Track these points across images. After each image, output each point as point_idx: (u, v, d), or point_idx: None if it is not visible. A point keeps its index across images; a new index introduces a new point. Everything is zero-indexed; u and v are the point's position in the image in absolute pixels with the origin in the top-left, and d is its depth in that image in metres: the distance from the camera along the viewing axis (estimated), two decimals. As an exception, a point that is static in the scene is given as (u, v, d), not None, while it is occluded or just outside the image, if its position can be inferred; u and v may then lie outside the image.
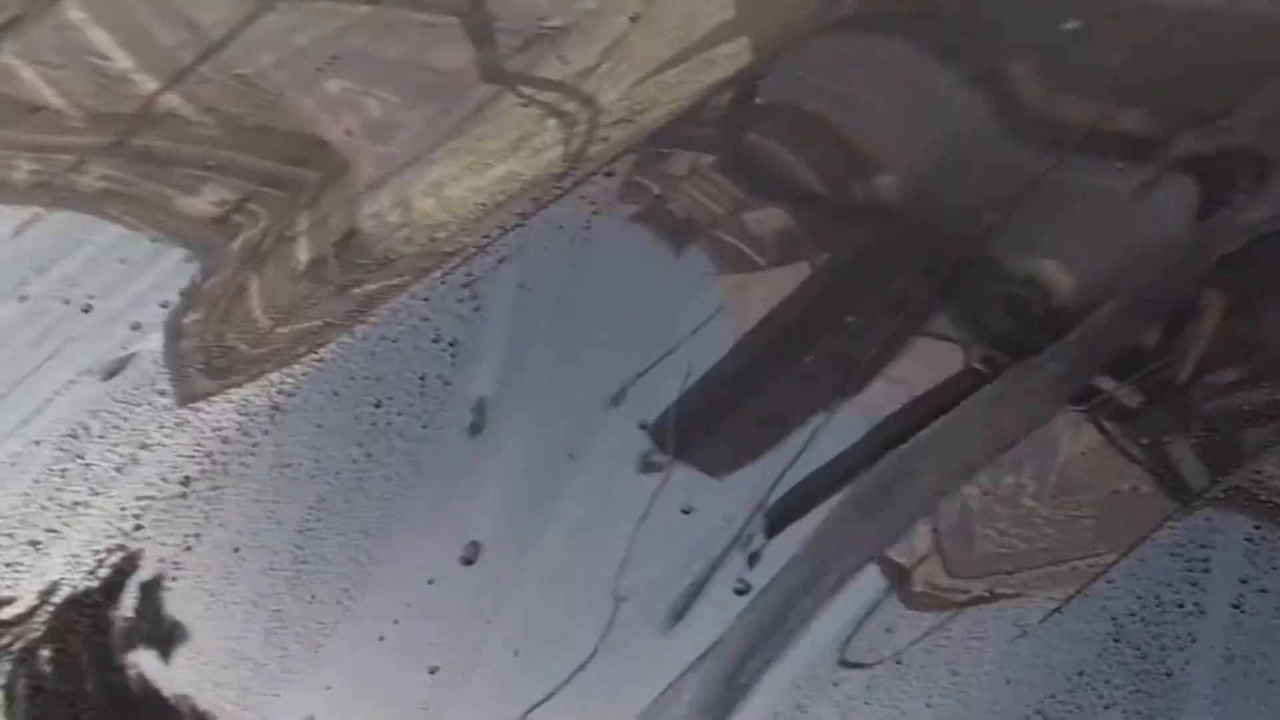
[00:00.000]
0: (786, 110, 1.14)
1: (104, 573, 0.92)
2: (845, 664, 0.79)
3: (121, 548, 0.92)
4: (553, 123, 1.17)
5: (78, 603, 0.91)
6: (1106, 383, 0.86)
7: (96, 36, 1.45)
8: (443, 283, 0.99)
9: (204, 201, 1.17)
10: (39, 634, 0.91)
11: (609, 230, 1.04)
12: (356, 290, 1.02)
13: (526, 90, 1.21)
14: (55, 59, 1.42)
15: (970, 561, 0.81)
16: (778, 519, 0.83)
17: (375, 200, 1.10)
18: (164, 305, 1.06)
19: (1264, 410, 0.84)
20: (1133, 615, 0.76)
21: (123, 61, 1.41)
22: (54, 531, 0.94)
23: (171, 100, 1.33)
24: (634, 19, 1.21)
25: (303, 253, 1.08)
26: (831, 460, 0.85)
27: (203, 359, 1.02)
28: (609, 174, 1.07)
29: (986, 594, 0.79)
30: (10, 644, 0.91)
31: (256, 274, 1.07)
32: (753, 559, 0.83)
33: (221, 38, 1.39)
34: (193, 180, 1.22)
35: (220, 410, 0.96)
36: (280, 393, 0.95)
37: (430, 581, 0.87)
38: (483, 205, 1.07)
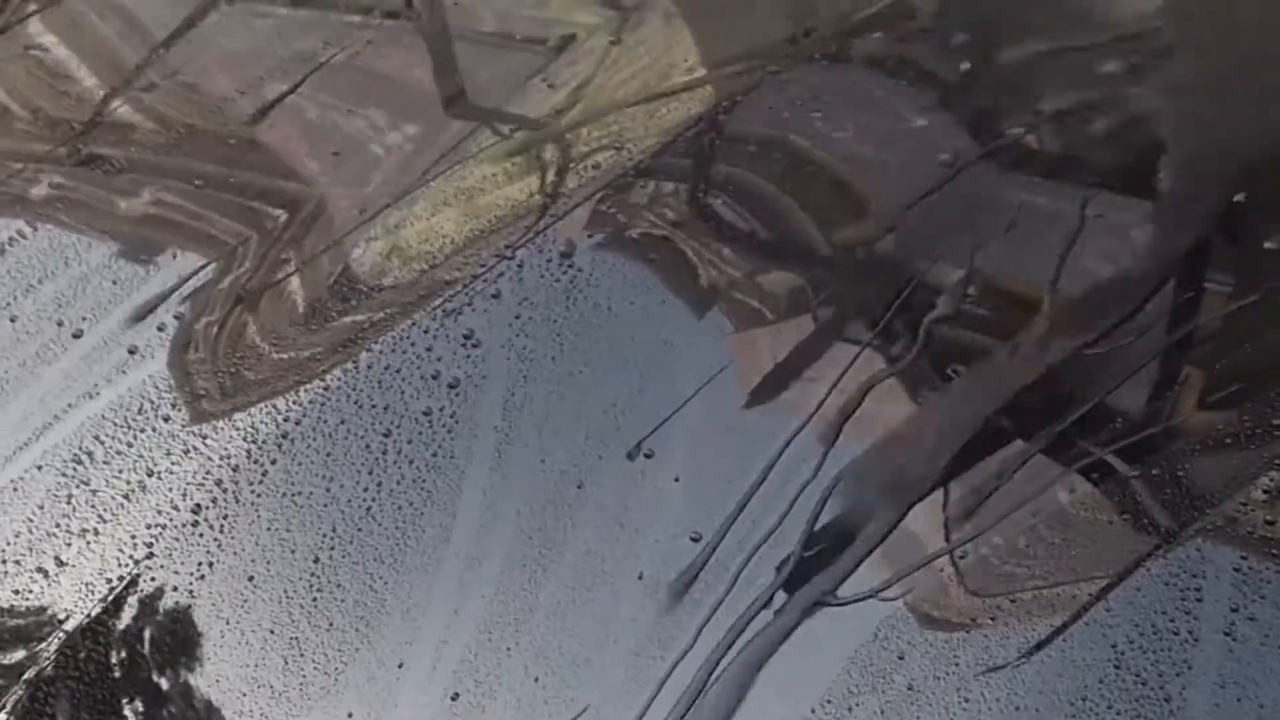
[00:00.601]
0: (756, 141, 1.15)
1: (117, 601, 0.92)
2: (859, 690, 0.82)
3: (134, 576, 0.93)
4: (534, 152, 1.17)
5: (90, 631, 0.92)
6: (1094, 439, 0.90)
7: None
8: (442, 313, 1.01)
9: (190, 222, 1.18)
10: (50, 663, 0.92)
11: (593, 259, 1.06)
12: (353, 320, 1.03)
13: (509, 121, 1.21)
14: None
15: (983, 584, 0.85)
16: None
17: (363, 235, 1.11)
18: (160, 329, 1.06)
19: (1248, 441, 0.88)
20: (1131, 643, 0.81)
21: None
22: (62, 560, 0.95)
23: (128, 112, 1.34)
24: (614, 42, 1.23)
25: (296, 289, 1.09)
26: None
27: (204, 385, 1.02)
28: (593, 203, 1.07)
29: (992, 619, 0.83)
30: (20, 673, 0.92)
31: (251, 311, 1.07)
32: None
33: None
34: (181, 201, 1.23)
35: (228, 437, 0.97)
36: (287, 420, 0.97)
37: (450, 610, 0.89)
38: (470, 236, 1.08)
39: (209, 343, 1.05)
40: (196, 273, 1.12)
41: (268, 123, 1.29)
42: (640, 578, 0.88)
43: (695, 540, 0.89)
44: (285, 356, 1.03)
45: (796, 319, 1.04)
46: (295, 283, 1.10)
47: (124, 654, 0.91)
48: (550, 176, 1.13)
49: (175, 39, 1.41)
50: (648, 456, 0.92)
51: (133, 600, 0.93)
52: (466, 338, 1.00)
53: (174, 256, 1.15)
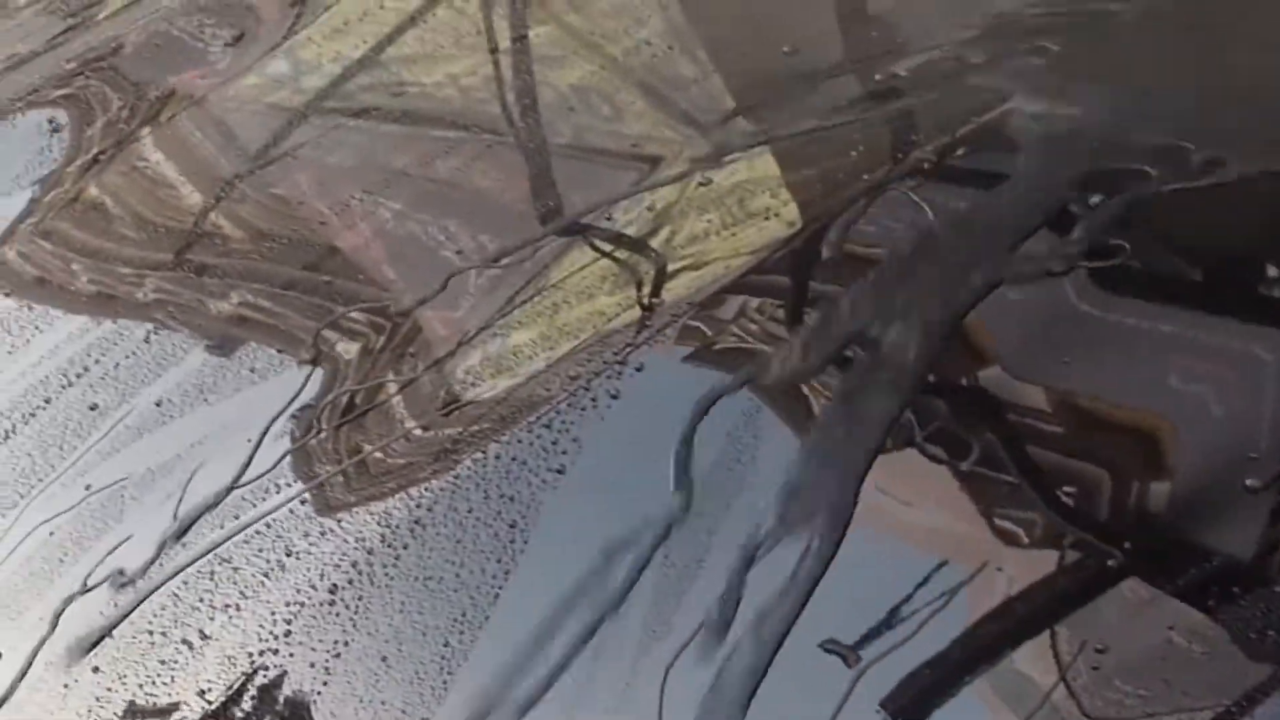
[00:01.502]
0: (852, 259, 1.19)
1: (258, 675, 0.97)
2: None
3: (274, 651, 0.98)
4: (625, 269, 1.23)
5: (231, 703, 0.97)
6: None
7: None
8: (545, 427, 1.06)
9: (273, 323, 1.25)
10: (193, 732, 0.97)
11: (682, 370, 1.11)
12: (454, 433, 1.09)
13: (602, 238, 1.27)
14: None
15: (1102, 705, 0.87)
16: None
17: (465, 359, 1.17)
18: (294, 418, 1.12)
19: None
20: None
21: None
22: (206, 634, 1.00)
23: (223, 223, 1.42)
24: (704, 183, 1.29)
25: (399, 405, 1.15)
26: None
27: (327, 476, 1.08)
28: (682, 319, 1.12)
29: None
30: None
31: (357, 425, 1.14)
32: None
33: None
34: (267, 304, 1.30)
35: (363, 521, 1.02)
36: (420, 507, 1.02)
37: (572, 693, 0.93)
38: (565, 351, 1.14)
39: (324, 451, 1.11)
40: (303, 386, 1.17)
41: (357, 235, 1.34)
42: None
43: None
44: (395, 463, 1.08)
45: (901, 451, 1.05)
46: (398, 399, 1.15)
47: (262, 727, 0.96)
48: (640, 293, 1.18)
49: (268, 154, 1.48)
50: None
51: (271, 675, 0.97)
52: (573, 440, 1.05)
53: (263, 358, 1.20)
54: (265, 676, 0.98)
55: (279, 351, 1.25)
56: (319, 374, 1.20)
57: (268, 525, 1.04)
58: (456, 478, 1.03)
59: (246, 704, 0.97)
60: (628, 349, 1.09)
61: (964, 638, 0.93)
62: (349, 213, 1.35)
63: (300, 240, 1.34)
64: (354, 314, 1.26)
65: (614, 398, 1.05)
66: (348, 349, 1.20)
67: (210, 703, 0.98)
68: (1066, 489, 1.00)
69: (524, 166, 1.38)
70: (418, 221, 1.33)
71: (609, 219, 1.25)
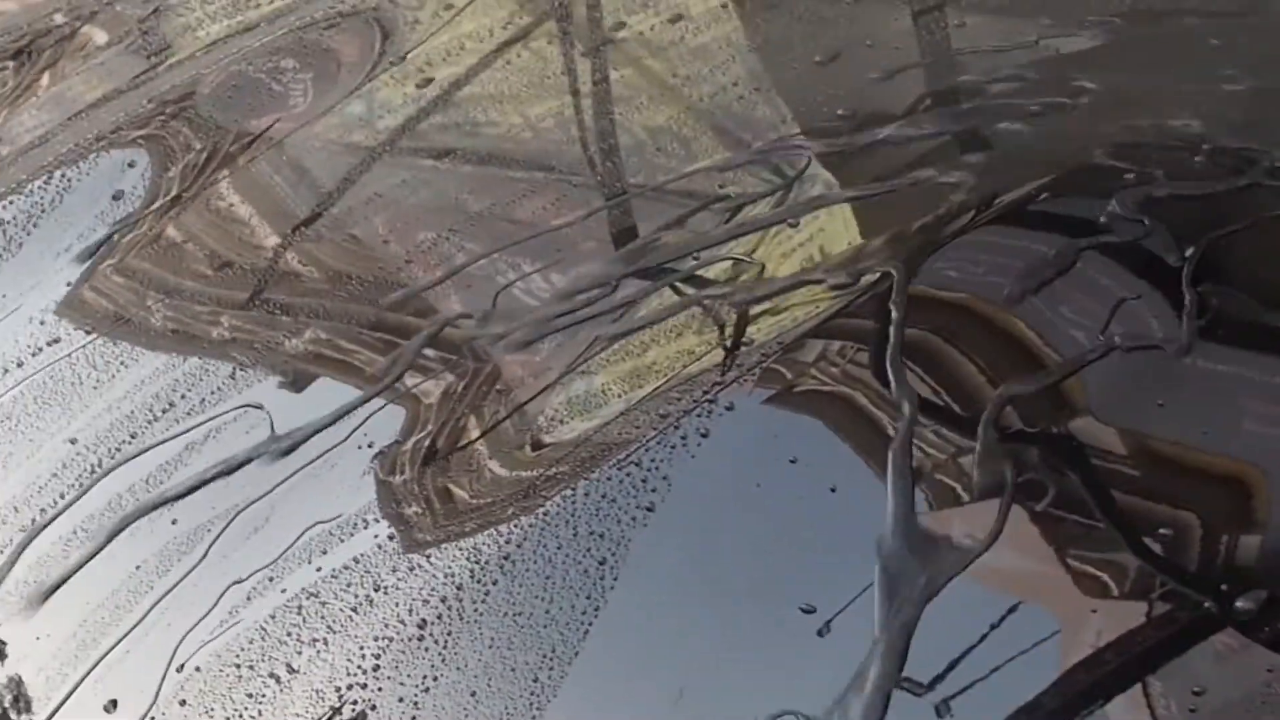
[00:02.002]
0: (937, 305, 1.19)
1: (345, 709, 0.97)
2: None
3: (362, 685, 0.98)
4: (706, 313, 1.23)
5: (320, 737, 0.97)
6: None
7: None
8: (635, 464, 1.06)
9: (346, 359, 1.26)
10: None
11: (765, 413, 1.10)
12: (536, 474, 1.09)
13: (680, 283, 1.28)
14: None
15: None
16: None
17: (544, 397, 1.17)
18: (378, 456, 1.13)
19: None
20: None
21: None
22: (293, 668, 1.00)
23: (299, 263, 1.43)
24: (793, 225, 1.29)
25: (481, 449, 1.15)
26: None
27: (421, 509, 1.08)
28: (761, 364, 1.13)
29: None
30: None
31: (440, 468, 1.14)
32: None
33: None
34: (340, 340, 1.31)
35: (452, 557, 1.02)
36: (509, 543, 1.02)
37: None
38: (646, 394, 1.14)
39: (409, 491, 1.11)
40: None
41: (432, 275, 1.36)
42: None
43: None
44: (479, 503, 1.09)
45: (989, 501, 1.03)
46: (485, 460, 1.16)
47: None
48: (724, 335, 1.18)
49: (344, 195, 1.50)
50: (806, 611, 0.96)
51: (359, 709, 0.97)
52: (663, 479, 1.05)
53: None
54: (353, 710, 0.98)
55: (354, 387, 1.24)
56: (400, 414, 1.19)
57: (355, 561, 1.04)
58: (545, 514, 1.02)
59: (336, 738, 0.97)
60: (715, 388, 1.08)
61: (1056, 686, 0.91)
62: (425, 253, 1.35)
63: (375, 280, 1.35)
64: (429, 354, 1.26)
65: (704, 436, 1.05)
66: (428, 391, 1.20)
67: (299, 737, 0.98)
68: (1157, 535, 0.98)
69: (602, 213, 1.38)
70: (489, 259, 1.33)
71: (694, 260, 1.24)
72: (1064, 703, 0.90)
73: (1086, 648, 0.93)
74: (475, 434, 1.16)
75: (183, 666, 1.05)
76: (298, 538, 1.09)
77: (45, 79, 1.88)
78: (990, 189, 1.26)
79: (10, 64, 1.93)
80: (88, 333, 1.38)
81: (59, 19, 1.98)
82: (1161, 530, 0.95)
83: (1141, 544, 0.97)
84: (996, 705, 0.90)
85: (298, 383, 1.29)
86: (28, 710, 1.11)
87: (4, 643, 1.16)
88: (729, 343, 1.16)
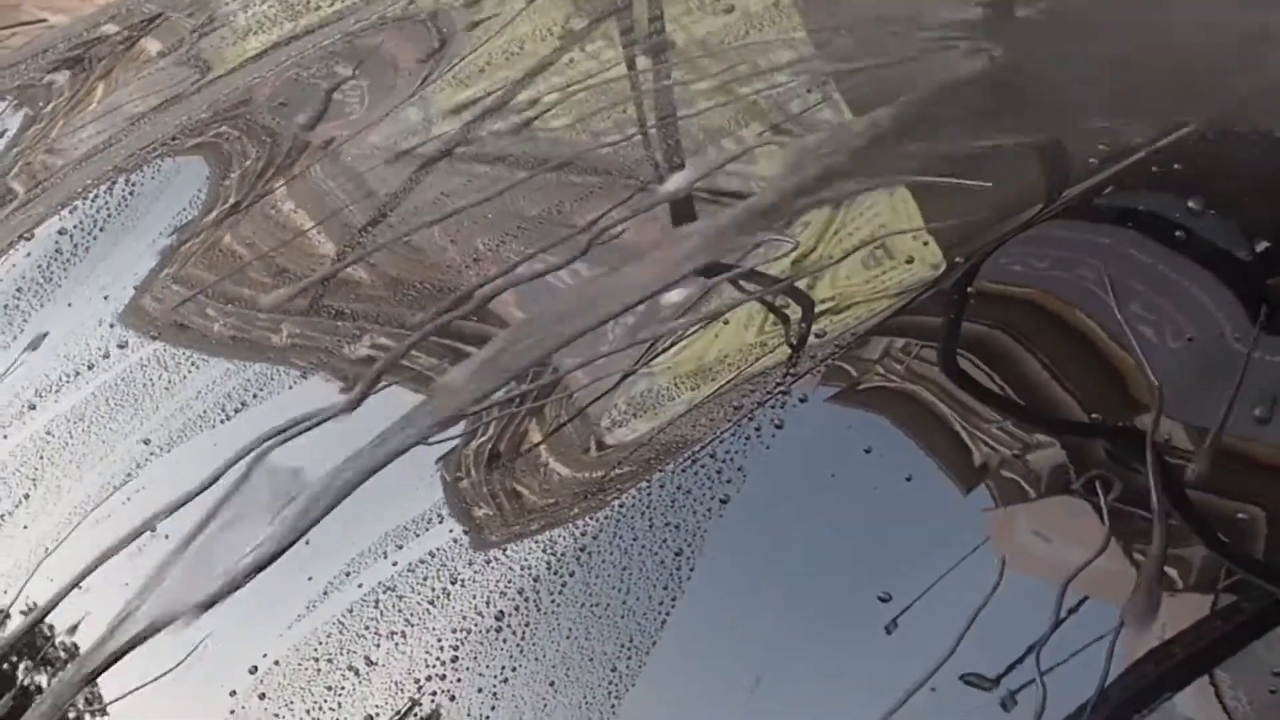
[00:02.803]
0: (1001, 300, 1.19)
1: (425, 700, 0.98)
2: None
3: (441, 677, 0.99)
4: (766, 313, 1.24)
5: (401, 728, 0.98)
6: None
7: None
8: (710, 456, 1.06)
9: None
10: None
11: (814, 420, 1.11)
12: (600, 475, 1.10)
13: (747, 280, 1.28)
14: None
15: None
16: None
17: (606, 400, 1.17)
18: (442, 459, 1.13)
19: None
20: None
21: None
22: (372, 660, 1.01)
23: (356, 270, 1.44)
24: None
25: (544, 453, 1.16)
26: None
27: (491, 510, 1.09)
28: (827, 360, 1.13)
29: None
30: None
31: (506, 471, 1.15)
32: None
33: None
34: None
35: (528, 549, 1.03)
36: (585, 535, 1.02)
37: (725, 714, 0.93)
38: (709, 394, 1.14)
39: (477, 492, 1.12)
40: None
41: (488, 280, 1.35)
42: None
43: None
44: (544, 503, 1.10)
45: (1058, 497, 1.04)
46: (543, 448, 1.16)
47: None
48: (789, 333, 1.19)
49: (398, 200, 1.51)
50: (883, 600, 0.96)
51: (439, 700, 0.98)
52: (738, 470, 1.05)
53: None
54: (433, 701, 0.98)
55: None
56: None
57: (430, 555, 1.05)
58: (621, 507, 1.03)
59: (416, 728, 0.97)
60: (782, 383, 1.09)
61: (1122, 679, 0.92)
62: (482, 259, 1.36)
63: (432, 286, 1.36)
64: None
65: (778, 427, 1.05)
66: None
67: (379, 727, 0.99)
68: (1227, 527, 0.98)
69: (661, 210, 1.39)
70: (546, 264, 1.34)
71: (755, 253, 1.25)
72: (1131, 695, 0.90)
73: (1153, 640, 0.92)
74: (537, 437, 1.16)
75: (255, 669, 1.05)
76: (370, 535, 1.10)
77: (100, 89, 1.90)
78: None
79: (65, 73, 1.95)
80: (153, 338, 1.39)
81: (110, 29, 2.00)
82: (1240, 514, 0.95)
83: (1214, 536, 0.96)
84: (1063, 698, 0.89)
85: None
86: (102, 712, 1.12)
87: (75, 645, 1.17)
88: (793, 340, 1.16)
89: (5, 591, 1.23)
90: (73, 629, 1.17)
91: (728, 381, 1.14)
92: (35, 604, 1.24)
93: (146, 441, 1.27)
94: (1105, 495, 1.00)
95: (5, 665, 1.24)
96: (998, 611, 0.96)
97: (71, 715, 1.17)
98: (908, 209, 1.27)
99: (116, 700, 1.12)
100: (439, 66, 1.70)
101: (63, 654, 1.21)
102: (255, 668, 1.07)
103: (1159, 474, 1.00)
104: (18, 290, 1.53)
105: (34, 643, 1.22)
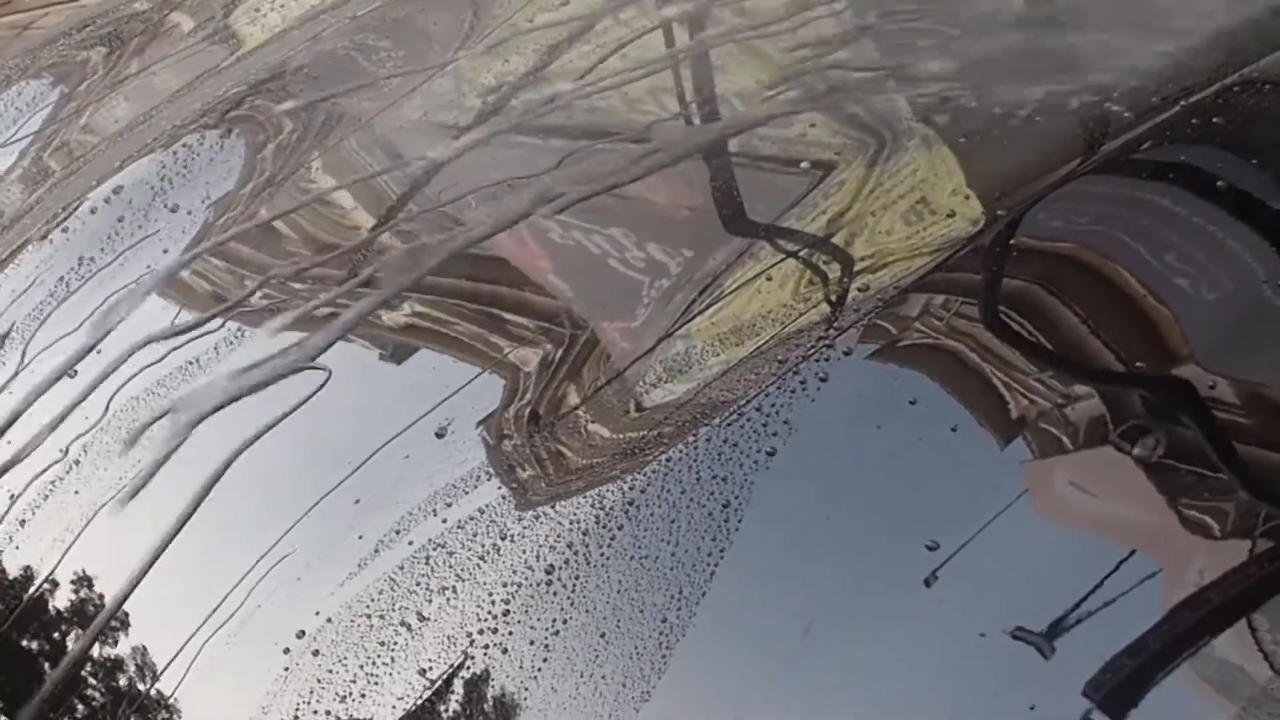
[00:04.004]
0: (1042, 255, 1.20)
1: (479, 654, 0.99)
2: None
3: (493, 630, 1.00)
4: (804, 273, 1.24)
5: (456, 678, 0.99)
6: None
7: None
8: (756, 409, 1.07)
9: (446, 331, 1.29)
10: (416, 710, 0.99)
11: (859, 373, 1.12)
12: (639, 435, 1.11)
13: (784, 239, 1.28)
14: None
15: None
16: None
17: (645, 367, 1.19)
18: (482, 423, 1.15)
19: None
20: None
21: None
22: (424, 615, 1.02)
23: (389, 238, 1.45)
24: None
25: (584, 416, 1.17)
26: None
27: (536, 472, 1.11)
28: (867, 317, 1.14)
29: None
30: (388, 720, 0.99)
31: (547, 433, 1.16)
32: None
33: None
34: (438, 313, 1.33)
35: (576, 504, 1.04)
36: (633, 489, 1.04)
37: (776, 661, 0.94)
38: (747, 355, 1.15)
39: (520, 454, 1.13)
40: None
41: (524, 246, 1.37)
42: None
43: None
44: (587, 463, 1.11)
45: (1098, 449, 1.05)
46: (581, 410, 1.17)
47: (487, 705, 0.98)
48: (828, 289, 1.19)
49: (433, 172, 1.52)
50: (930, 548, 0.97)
51: (492, 653, 0.99)
52: (784, 423, 1.06)
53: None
54: (487, 654, 1.00)
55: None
56: (495, 381, 1.21)
57: (480, 512, 1.06)
58: (668, 461, 1.04)
59: (469, 679, 0.99)
60: (825, 337, 1.10)
61: (1160, 626, 0.92)
62: (517, 226, 1.37)
63: (468, 253, 1.37)
64: (526, 323, 1.28)
65: (823, 380, 1.06)
66: (526, 358, 1.21)
67: (433, 681, 1.00)
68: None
69: (693, 176, 1.39)
70: (584, 231, 1.35)
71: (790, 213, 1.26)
72: (1169, 642, 0.91)
73: (1190, 587, 0.94)
74: (576, 400, 1.17)
75: (303, 633, 1.06)
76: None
77: (134, 65, 1.91)
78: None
79: (100, 50, 1.96)
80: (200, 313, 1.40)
81: (142, 5, 2.01)
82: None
83: (1259, 483, 0.97)
84: (1100, 646, 0.91)
85: (397, 355, 1.31)
86: (153, 676, 1.14)
87: (126, 613, 1.18)
88: (832, 296, 1.17)
89: (43, 559, 1.25)
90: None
91: (766, 340, 1.14)
92: (84, 572, 1.25)
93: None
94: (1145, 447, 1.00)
95: (55, 634, 1.25)
96: (1038, 562, 0.97)
97: (123, 680, 1.18)
98: (948, 165, 1.28)
99: (172, 660, 1.12)
100: (473, 36, 1.71)
101: (114, 621, 1.23)
102: (303, 631, 1.07)
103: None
104: (79, 260, 1.54)
105: (85, 611, 1.24)
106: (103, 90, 1.93)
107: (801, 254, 1.25)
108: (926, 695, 0.93)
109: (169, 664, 1.15)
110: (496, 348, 1.27)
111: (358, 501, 1.12)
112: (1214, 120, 1.22)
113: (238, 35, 1.96)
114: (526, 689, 0.98)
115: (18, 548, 1.29)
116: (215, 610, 1.12)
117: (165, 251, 1.53)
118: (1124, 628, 0.93)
